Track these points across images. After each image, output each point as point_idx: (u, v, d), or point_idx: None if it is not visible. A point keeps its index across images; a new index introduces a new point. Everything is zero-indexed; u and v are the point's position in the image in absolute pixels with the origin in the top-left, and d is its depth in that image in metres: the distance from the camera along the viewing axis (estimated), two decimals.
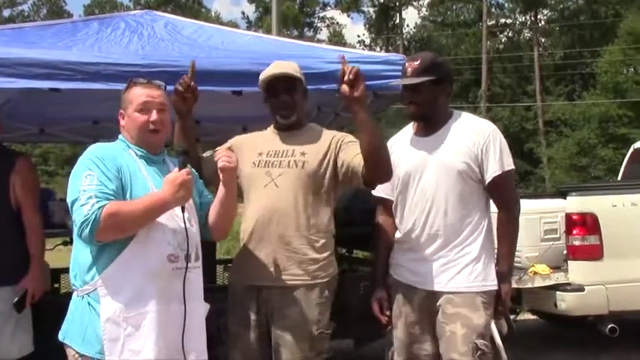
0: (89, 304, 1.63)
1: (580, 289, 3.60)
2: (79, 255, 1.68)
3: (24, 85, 2.27)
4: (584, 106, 19.92)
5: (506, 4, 29.78)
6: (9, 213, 2.30)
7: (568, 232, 3.70)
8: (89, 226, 1.56)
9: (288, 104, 2.01)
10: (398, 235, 2.08)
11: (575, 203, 3.72)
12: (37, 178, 2.53)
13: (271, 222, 1.95)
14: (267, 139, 2.09)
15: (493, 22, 29.50)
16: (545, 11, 28.90)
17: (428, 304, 1.99)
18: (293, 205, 1.94)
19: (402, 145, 2.12)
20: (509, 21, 30.39)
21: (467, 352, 1.88)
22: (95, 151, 1.70)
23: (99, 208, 1.56)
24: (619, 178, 5.44)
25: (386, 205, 2.14)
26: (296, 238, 1.94)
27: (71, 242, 3.65)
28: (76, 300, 1.69)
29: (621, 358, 3.78)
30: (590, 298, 3.60)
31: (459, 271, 1.94)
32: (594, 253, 3.62)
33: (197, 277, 1.73)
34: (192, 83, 1.96)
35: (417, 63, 2.01)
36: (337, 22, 34.43)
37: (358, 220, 3.16)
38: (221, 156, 1.79)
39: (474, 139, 1.97)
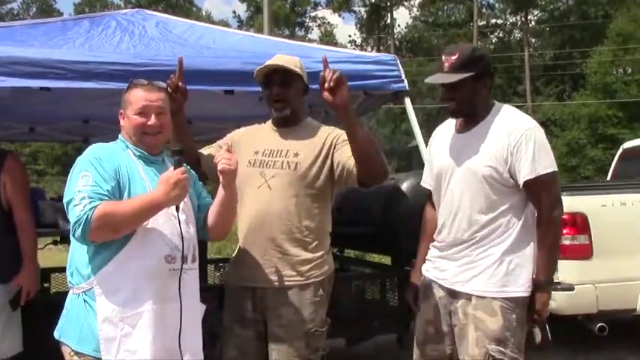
0: (85, 301, 1.63)
1: (570, 288, 3.58)
2: (75, 253, 1.69)
3: (14, 84, 2.26)
4: (574, 107, 20.01)
5: (496, 5, 30.00)
6: (0, 212, 2.29)
7: None
8: (81, 227, 1.56)
9: (281, 97, 1.98)
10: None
11: (565, 203, 3.69)
12: (27, 176, 2.50)
13: (263, 225, 1.94)
14: (264, 135, 2.08)
15: (484, 22, 29.69)
16: (536, 12, 29.15)
17: (447, 302, 1.95)
18: (285, 208, 1.93)
19: (440, 138, 2.07)
20: (499, 21, 30.61)
21: (478, 357, 1.83)
22: (94, 151, 1.70)
23: (91, 208, 1.56)
24: (608, 177, 5.46)
25: (431, 196, 2.10)
26: (287, 241, 1.93)
27: (61, 242, 3.54)
28: (72, 298, 1.69)
29: (610, 357, 3.80)
30: (580, 297, 3.60)
31: (479, 274, 1.88)
32: (584, 253, 3.61)
33: (193, 278, 1.73)
34: (180, 84, 1.95)
35: (454, 58, 1.87)
36: (328, 22, 34.41)
37: (350, 219, 3.18)
38: (221, 158, 1.75)
39: (504, 140, 1.86)
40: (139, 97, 1.72)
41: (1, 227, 2.28)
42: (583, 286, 3.59)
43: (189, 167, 1.84)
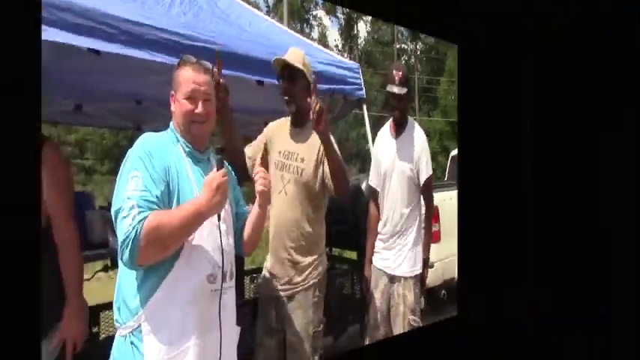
0: (132, 344, 0.98)
1: (432, 266, 3.56)
2: (123, 282, 1.01)
3: (55, 38, 1.16)
4: (434, 122, 21.13)
5: (404, 32, 29.21)
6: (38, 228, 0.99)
7: None
8: (129, 247, 0.92)
9: (288, 93, 1.50)
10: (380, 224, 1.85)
11: None
12: (71, 175, 1.25)
13: (280, 233, 1.50)
14: (284, 133, 1.56)
15: (399, 46, 28.78)
16: (420, 43, 29.21)
17: (389, 287, 1.79)
18: (293, 216, 1.49)
19: (383, 141, 1.88)
20: (405, 47, 29.97)
21: (406, 327, 1.75)
22: (145, 144, 1.03)
23: (140, 221, 0.93)
24: (446, 178, 5.54)
25: (376, 195, 1.89)
26: (295, 249, 1.50)
27: (112, 267, 1.90)
28: (119, 342, 1.01)
29: (452, 313, 3.87)
30: (436, 272, 3.71)
31: (404, 259, 1.78)
32: (437, 238, 3.66)
33: (231, 297, 1.11)
34: (221, 80, 1.32)
35: (401, 73, 1.75)
36: (322, 24, 29.17)
37: (336, 219, 2.69)
38: (259, 177, 1.17)
39: (416, 147, 1.79)
40: (187, 77, 1.06)
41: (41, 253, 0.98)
42: (437, 263, 3.68)
43: (230, 168, 1.19)
